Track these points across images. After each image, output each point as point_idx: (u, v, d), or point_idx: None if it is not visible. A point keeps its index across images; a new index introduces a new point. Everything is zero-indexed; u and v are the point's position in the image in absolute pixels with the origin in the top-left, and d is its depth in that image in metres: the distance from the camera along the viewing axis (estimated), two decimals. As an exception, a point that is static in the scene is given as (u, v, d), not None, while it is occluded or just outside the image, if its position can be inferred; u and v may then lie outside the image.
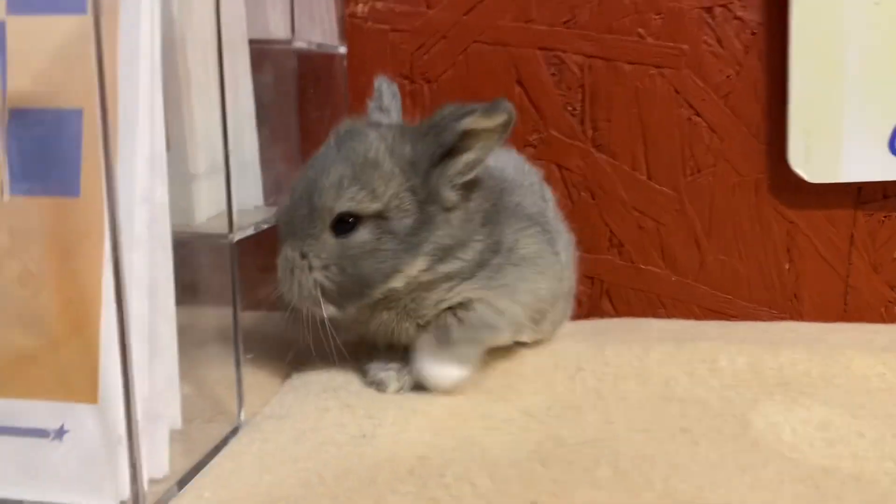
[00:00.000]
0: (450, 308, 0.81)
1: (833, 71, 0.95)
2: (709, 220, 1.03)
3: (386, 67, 1.05)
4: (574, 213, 1.05)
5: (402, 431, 0.73)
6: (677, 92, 1.00)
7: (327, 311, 0.78)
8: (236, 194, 0.86)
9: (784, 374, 0.84)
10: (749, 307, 1.04)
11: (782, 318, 1.03)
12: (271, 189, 0.89)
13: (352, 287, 0.78)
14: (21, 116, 0.62)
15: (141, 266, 0.62)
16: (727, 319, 1.04)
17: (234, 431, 0.75)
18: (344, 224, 0.77)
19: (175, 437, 0.71)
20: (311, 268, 0.78)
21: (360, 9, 1.05)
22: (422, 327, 0.81)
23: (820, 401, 0.78)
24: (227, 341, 0.77)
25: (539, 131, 1.04)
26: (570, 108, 1.03)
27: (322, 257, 0.78)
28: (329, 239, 0.78)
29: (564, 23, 1.01)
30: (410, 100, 1.06)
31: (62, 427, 0.61)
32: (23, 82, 0.62)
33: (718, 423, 0.75)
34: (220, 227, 0.75)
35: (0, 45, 0.63)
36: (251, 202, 0.88)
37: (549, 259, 0.85)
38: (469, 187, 0.80)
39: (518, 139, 1.05)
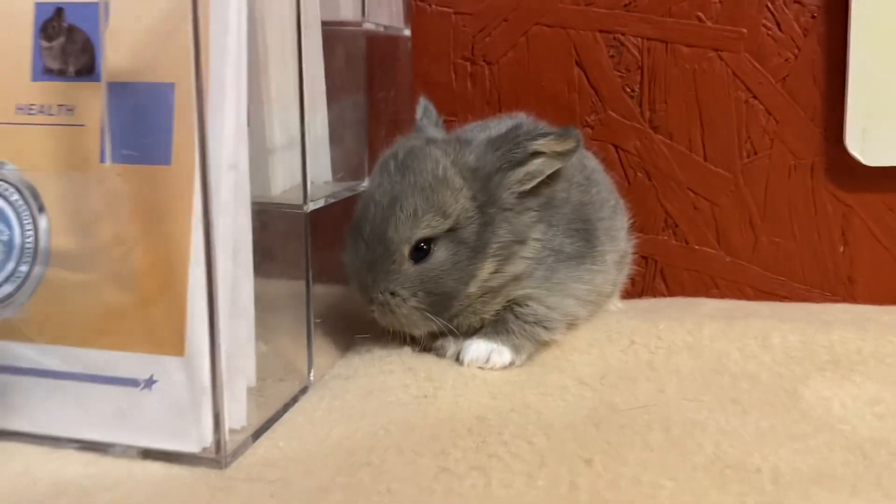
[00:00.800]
0: (507, 305, 0.85)
1: (893, 55, 0.95)
2: (764, 202, 1.04)
3: (448, 49, 1.09)
4: (630, 194, 1.07)
5: (460, 395, 0.77)
6: (735, 75, 1.02)
7: (429, 326, 0.83)
8: (309, 169, 0.91)
9: (835, 352, 0.85)
10: (802, 289, 1.05)
11: (835, 301, 1.04)
12: (340, 165, 0.93)
13: (440, 303, 0.82)
14: (117, 90, 0.67)
15: (227, 229, 0.66)
16: (779, 301, 1.05)
17: (304, 390, 0.80)
18: (420, 250, 0.81)
19: (250, 393, 0.77)
20: (404, 301, 0.81)
21: (425, -8, 1.09)
22: (483, 325, 0.86)
23: (871, 378, 0.80)
24: (298, 306, 0.81)
25: (597, 112, 1.07)
26: (628, 90, 1.05)
27: (408, 287, 0.81)
28: (410, 269, 0.81)
29: (624, 6, 1.04)
30: (471, 81, 1.09)
31: (151, 377, 0.67)
32: (119, 59, 0.67)
33: (769, 395, 0.77)
34: (295, 198, 0.80)
35: (101, 23, 0.68)
36: (321, 177, 0.93)
37: (592, 260, 0.88)
38: (530, 193, 0.84)
39: (577, 120, 1.07)
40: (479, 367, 0.83)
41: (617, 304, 1.02)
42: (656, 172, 1.06)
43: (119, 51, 0.67)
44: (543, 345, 0.86)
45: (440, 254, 0.81)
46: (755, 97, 1.02)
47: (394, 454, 0.65)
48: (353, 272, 0.84)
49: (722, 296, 1.07)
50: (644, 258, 1.09)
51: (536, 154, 0.82)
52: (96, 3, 0.68)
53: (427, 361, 0.84)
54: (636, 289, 1.10)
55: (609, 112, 1.06)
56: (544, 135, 0.81)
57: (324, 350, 0.89)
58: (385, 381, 0.80)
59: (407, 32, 1.07)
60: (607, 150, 1.07)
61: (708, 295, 1.08)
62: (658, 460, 0.64)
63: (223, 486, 0.62)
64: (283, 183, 0.86)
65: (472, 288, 0.83)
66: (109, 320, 0.68)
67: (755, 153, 1.03)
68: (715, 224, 1.06)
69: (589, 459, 0.64)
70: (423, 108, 0.93)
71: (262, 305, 0.82)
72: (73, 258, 0.68)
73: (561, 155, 0.83)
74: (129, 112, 0.67)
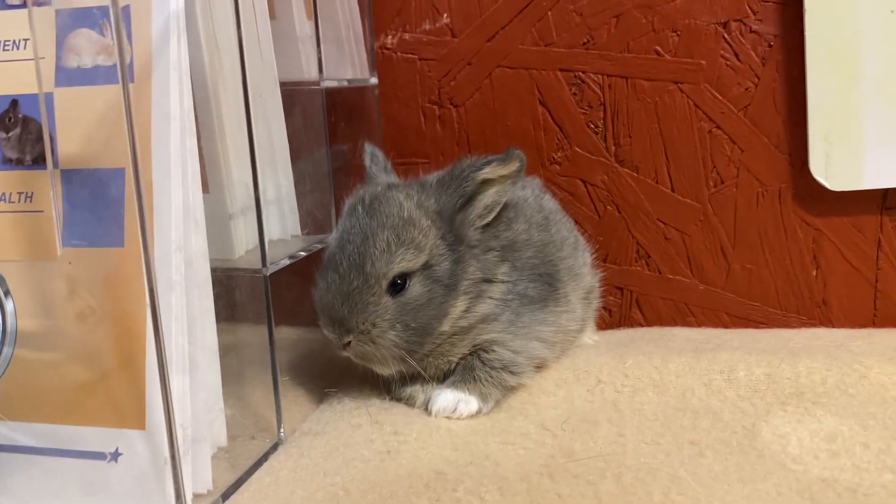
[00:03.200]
0: (474, 350, 0.87)
1: (850, 79, 0.95)
2: (734, 230, 1.05)
3: (416, 94, 1.11)
4: (601, 227, 1.09)
5: (423, 447, 0.79)
6: (697, 106, 1.03)
7: (401, 365, 0.84)
8: (275, 226, 0.94)
9: (799, 384, 0.86)
10: (777, 314, 1.05)
11: (812, 325, 1.04)
12: (307, 219, 0.96)
13: (415, 339, 0.83)
14: (71, 177, 0.70)
15: (179, 306, 0.69)
16: (756, 326, 1.06)
17: (275, 447, 0.82)
18: (396, 285, 0.82)
19: (220, 453, 0.80)
20: (383, 332, 0.82)
21: (390, 40, 1.11)
22: (450, 369, 0.88)
23: (832, 411, 0.80)
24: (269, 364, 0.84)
25: (563, 149, 1.08)
26: (592, 126, 1.07)
27: (387, 319, 0.82)
28: (388, 302, 0.82)
29: (583, 44, 1.05)
30: (440, 123, 1.11)
31: (116, 450, 0.70)
32: (71, 146, 0.71)
33: (727, 434, 0.78)
34: (257, 261, 0.82)
35: (49, 113, 0.71)
36: (289, 232, 0.95)
37: (555, 302, 0.90)
38: (486, 226, 0.87)
39: (543, 157, 1.09)
40: (447, 417, 0.84)
41: (592, 336, 1.04)
42: (625, 205, 1.07)
43: (70, 139, 0.71)
44: (511, 389, 0.88)
45: (416, 289, 0.83)
46: (718, 127, 1.03)
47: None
48: (326, 306, 0.84)
49: (698, 323, 1.08)
50: (619, 289, 1.10)
51: (486, 183, 0.85)
52: (50, 94, 0.71)
53: (394, 413, 0.86)
54: (613, 319, 1.11)
55: (575, 148, 1.08)
56: (487, 162, 0.84)
57: (297, 403, 0.91)
58: (352, 436, 0.82)
59: (374, 81, 1.10)
60: (575, 185, 1.08)
61: (684, 323, 1.08)
62: (605, 513, 0.66)
63: (184, 556, 0.65)
64: (247, 243, 0.89)
65: (446, 326, 0.84)
66: (75, 396, 0.71)
67: (722, 182, 1.04)
68: (686, 253, 1.07)
69: (544, 514, 0.66)
70: (371, 156, 0.94)
71: (233, 365, 0.86)
72: (38, 338, 0.72)
73: (509, 178, 0.85)
74: (82, 197, 0.70)
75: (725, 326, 1.07)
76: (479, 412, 0.85)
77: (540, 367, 0.91)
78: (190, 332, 0.71)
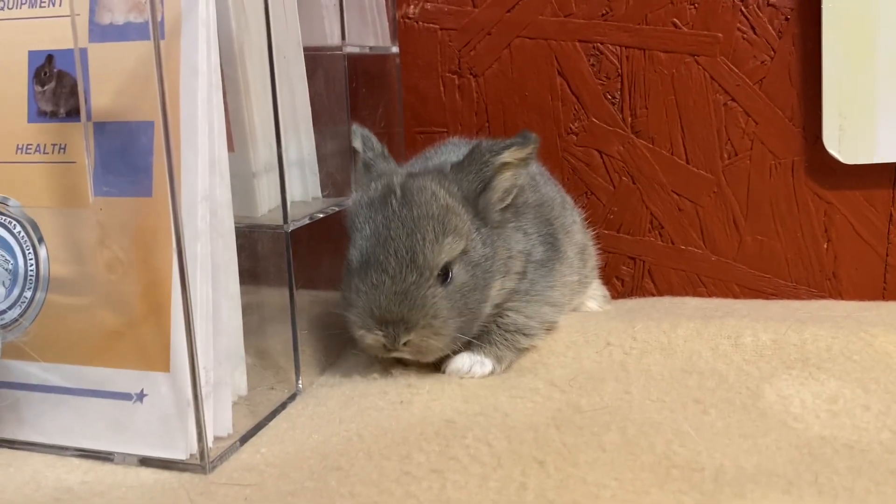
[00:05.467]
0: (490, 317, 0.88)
1: (865, 53, 0.96)
2: (746, 202, 1.06)
3: (436, 64, 1.13)
4: (616, 197, 1.10)
5: (435, 399, 0.81)
6: (712, 78, 1.04)
7: (456, 347, 0.84)
8: (297, 187, 0.97)
9: (805, 350, 0.88)
10: (787, 286, 1.07)
11: (821, 297, 1.06)
12: (327, 182, 0.99)
13: (470, 324, 0.84)
14: (103, 129, 0.73)
15: (204, 255, 0.72)
16: (766, 298, 1.07)
17: (293, 397, 0.85)
18: (443, 275, 0.82)
19: (242, 401, 0.83)
20: (445, 322, 0.82)
21: (412, 10, 1.13)
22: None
23: (835, 375, 0.82)
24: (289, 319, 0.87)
25: (580, 119, 1.10)
26: (609, 97, 1.08)
27: (447, 308, 0.82)
28: (442, 292, 0.82)
29: (602, 15, 1.06)
30: (459, 93, 1.14)
31: (142, 391, 0.73)
32: (103, 100, 0.74)
33: (731, 394, 0.80)
34: (279, 218, 0.85)
35: (84, 68, 0.74)
36: (310, 194, 0.98)
37: (559, 261, 0.93)
38: (506, 207, 0.89)
39: (560, 127, 1.11)
40: (460, 377, 0.87)
41: (603, 305, 1.06)
42: (640, 176, 1.09)
43: (103, 93, 0.74)
44: (524, 351, 0.90)
45: (461, 276, 0.83)
46: (733, 100, 1.04)
47: (363, 458, 0.71)
48: (379, 309, 0.81)
49: (709, 294, 1.10)
50: (632, 259, 1.12)
51: (503, 166, 0.86)
52: (83, 50, 0.74)
53: (408, 369, 0.89)
54: (626, 288, 1.13)
55: (592, 119, 1.09)
56: (506, 146, 0.85)
57: (315, 357, 0.94)
58: (367, 387, 0.85)
59: (395, 50, 1.12)
60: (591, 156, 1.10)
61: (695, 293, 1.10)
62: (608, 460, 0.68)
63: (203, 490, 0.68)
64: (270, 202, 0.92)
65: (488, 307, 0.86)
66: (104, 340, 0.74)
67: (736, 154, 1.05)
68: (699, 224, 1.08)
69: (542, 461, 0.68)
70: (363, 139, 0.92)
71: (254, 319, 0.89)
72: (69, 284, 0.75)
73: (525, 161, 0.87)
74: (113, 149, 0.73)
75: (736, 297, 1.09)
76: (492, 372, 0.87)
77: (550, 329, 0.94)
78: (214, 280, 0.74)
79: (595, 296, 1.06)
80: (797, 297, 1.06)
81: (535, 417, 0.77)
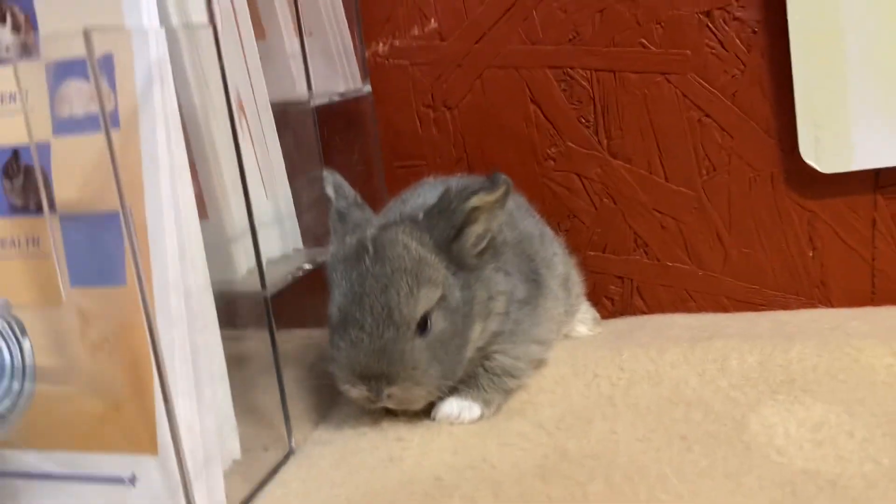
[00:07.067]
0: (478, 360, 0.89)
1: (835, 62, 0.95)
2: (728, 216, 1.06)
3: (410, 99, 1.13)
4: (599, 219, 1.10)
5: (425, 454, 0.82)
6: (685, 96, 1.03)
7: (442, 393, 0.85)
8: (276, 242, 0.98)
9: (791, 371, 0.88)
10: (777, 296, 1.07)
11: (811, 305, 1.06)
12: (307, 232, 0.99)
13: (450, 370, 0.85)
14: (72, 221, 0.74)
15: (181, 339, 0.73)
16: (756, 309, 1.07)
17: (286, 458, 0.87)
18: (421, 326, 0.82)
19: (236, 466, 0.85)
20: (425, 371, 0.82)
21: (381, 48, 1.13)
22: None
23: (821, 398, 0.82)
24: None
25: (556, 145, 1.10)
26: (583, 121, 1.08)
27: (425, 359, 0.82)
28: (421, 343, 0.82)
29: (570, 41, 1.06)
30: (436, 127, 1.14)
31: (133, 475, 0.74)
32: (69, 192, 0.75)
33: (716, 427, 0.80)
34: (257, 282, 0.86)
35: (46, 161, 0.75)
36: (290, 246, 0.99)
37: (543, 297, 0.93)
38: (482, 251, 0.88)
39: (538, 153, 1.10)
40: (450, 423, 0.88)
41: (593, 328, 1.06)
42: (620, 196, 1.09)
43: (68, 186, 0.75)
44: (512, 392, 0.91)
45: (439, 324, 0.84)
46: (707, 115, 1.03)
47: (356, 526, 0.72)
48: (358, 366, 0.82)
49: (699, 308, 1.10)
50: (620, 278, 1.12)
51: (475, 211, 0.86)
52: (47, 144, 0.75)
53: (398, 419, 0.90)
54: (616, 308, 1.13)
55: (568, 143, 1.09)
56: (474, 192, 0.84)
57: (310, 410, 0.96)
58: (358, 443, 0.86)
59: (367, 89, 1.12)
60: (571, 180, 1.10)
61: (685, 308, 1.10)
62: (592, 514, 0.69)
63: (199, 572, 0.70)
64: (248, 263, 0.93)
65: (469, 352, 0.86)
66: (92, 425, 0.76)
67: (714, 169, 1.05)
68: (683, 241, 1.08)
69: (531, 520, 0.69)
70: (335, 187, 0.92)
71: (245, 379, 0.90)
72: (55, 373, 0.77)
73: (497, 203, 0.86)
74: (83, 240, 0.74)
75: (726, 310, 1.09)
76: (481, 417, 0.88)
77: (539, 366, 0.94)
78: (195, 362, 0.75)
79: (584, 319, 1.06)
80: (787, 306, 1.06)
81: (522, 467, 0.78)
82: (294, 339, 1.02)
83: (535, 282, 0.93)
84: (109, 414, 0.75)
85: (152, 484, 0.74)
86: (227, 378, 0.83)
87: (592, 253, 1.12)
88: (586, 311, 1.07)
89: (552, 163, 1.10)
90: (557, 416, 0.86)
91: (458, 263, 0.87)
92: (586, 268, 1.12)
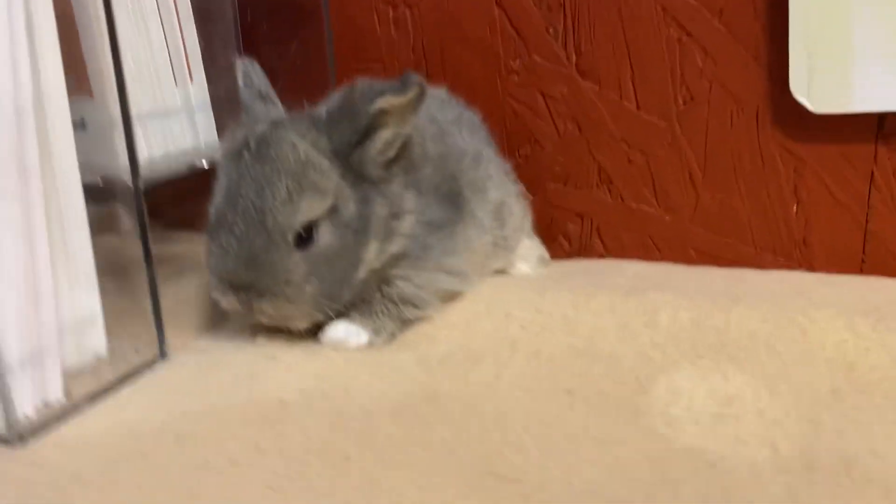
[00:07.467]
0: (377, 283, 0.80)
1: (841, -22, 0.79)
2: (704, 155, 0.92)
3: (370, -7, 1.02)
4: (561, 146, 0.98)
5: (289, 376, 0.74)
6: (664, 9, 0.89)
7: (320, 316, 0.77)
8: (187, 133, 0.91)
9: (724, 336, 0.75)
10: (751, 253, 0.93)
11: (789, 267, 0.91)
12: (223, 126, 0.91)
13: (334, 290, 0.76)
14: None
15: (10, 217, 0.67)
16: (726, 266, 0.94)
17: (152, 362, 0.80)
18: (303, 237, 0.74)
19: (100, 363, 0.79)
20: (299, 289, 0.75)
21: (342, -65, 1.02)
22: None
23: (746, 369, 0.70)
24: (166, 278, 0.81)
25: (521, 56, 0.97)
26: (551, 31, 0.95)
27: (301, 274, 0.74)
28: (298, 257, 0.74)
29: (542, -65, 0.92)
30: (394, 26, 1.02)
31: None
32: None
33: (614, 386, 0.69)
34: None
35: None
36: (203, 140, 0.91)
37: (462, 223, 0.82)
38: (390, 160, 0.78)
39: (501, 65, 0.98)
40: (334, 348, 0.79)
41: (537, 267, 0.95)
42: (586, 122, 0.96)
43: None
44: (410, 322, 0.82)
45: (325, 238, 0.75)
46: (689, 34, 0.89)
47: (171, 444, 0.64)
48: (226, 273, 0.75)
49: (663, 258, 0.97)
50: (580, 216, 1.00)
51: (382, 114, 0.75)
52: None
53: (281, 335, 0.82)
54: (573, 248, 1.01)
55: (533, 56, 0.96)
56: (380, 93, 0.74)
57: (200, 317, 0.89)
58: (227, 357, 0.79)
59: (324, -7, 1.01)
60: (535, 98, 0.97)
61: (648, 257, 0.97)
62: (425, 461, 0.60)
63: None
64: (150, 152, 0.85)
65: (362, 273, 0.77)
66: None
67: (692, 99, 0.91)
68: (652, 179, 0.95)
69: (349, 456, 0.61)
70: (244, 75, 0.83)
71: (130, 278, 0.83)
72: None
73: (409, 107, 0.76)
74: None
75: (692, 263, 0.95)
76: (370, 344, 0.79)
77: (449, 298, 0.84)
78: (65, 246, 0.70)
79: (527, 256, 0.95)
80: (761, 265, 0.92)
81: (380, 402, 0.69)
82: (194, 241, 0.95)
83: (454, 205, 0.83)
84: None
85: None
86: (94, 273, 0.77)
87: (553, 185, 1.00)
88: (531, 248, 0.96)
89: (516, 77, 0.98)
90: (446, 354, 0.77)
91: (357, 173, 0.77)
92: (545, 201, 1.00)
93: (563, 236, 1.01)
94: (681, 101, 0.91)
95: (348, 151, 0.76)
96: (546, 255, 0.98)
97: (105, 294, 0.80)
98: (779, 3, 0.83)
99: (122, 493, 0.59)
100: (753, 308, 0.78)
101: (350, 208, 0.76)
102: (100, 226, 0.83)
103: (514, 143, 1.00)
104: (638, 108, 0.93)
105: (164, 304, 0.88)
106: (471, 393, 0.70)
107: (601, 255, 1.00)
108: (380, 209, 0.77)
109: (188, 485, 0.59)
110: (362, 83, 0.77)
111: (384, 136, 0.77)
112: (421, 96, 0.76)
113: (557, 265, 0.98)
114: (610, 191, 0.97)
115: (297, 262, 0.74)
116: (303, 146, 0.75)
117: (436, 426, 0.64)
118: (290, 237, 0.74)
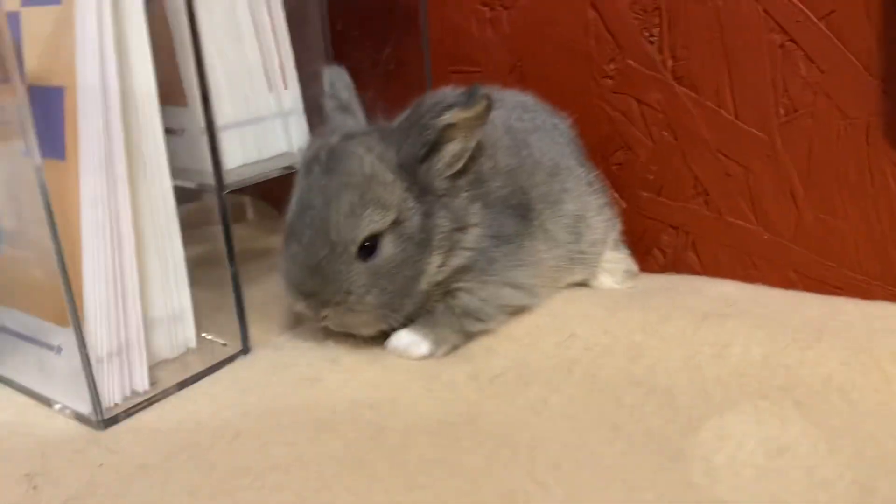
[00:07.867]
0: (443, 295, 0.81)
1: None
2: (807, 171, 0.84)
3: (468, -5, 1.01)
4: (656, 154, 0.94)
5: (346, 382, 0.77)
6: (766, 12, 0.82)
7: (384, 324, 0.80)
8: (280, 140, 0.95)
9: (795, 376, 0.70)
10: (858, 280, 0.84)
11: (900, 297, 0.83)
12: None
13: (395, 301, 0.78)
14: (34, 93, 0.76)
15: (101, 220, 0.74)
16: (830, 293, 0.86)
17: (235, 356, 0.85)
18: (366, 248, 0.77)
19: (187, 355, 0.85)
20: (361, 298, 0.77)
21: (441, -62, 1.01)
22: None
23: (811, 418, 0.65)
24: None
25: (615, 61, 0.93)
26: (647, 34, 0.90)
27: (362, 285, 0.77)
28: (360, 267, 0.77)
29: (639, -65, 0.87)
30: (490, 26, 1.01)
31: (59, 345, 0.77)
32: (32, 63, 0.76)
33: (662, 423, 0.67)
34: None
35: (16, 31, 0.76)
36: (295, 145, 0.94)
37: (531, 236, 0.82)
38: (456, 173, 0.79)
39: (595, 69, 0.95)
40: (398, 356, 0.81)
41: (623, 281, 0.92)
42: (682, 131, 0.91)
43: (31, 57, 0.76)
44: (473, 336, 0.82)
45: (387, 249, 0.77)
46: (792, 40, 0.81)
47: (228, 440, 0.69)
48: (294, 281, 0.79)
49: (762, 277, 0.90)
50: (674, 228, 0.95)
51: (449, 128, 0.76)
52: (16, 13, 0.77)
53: (348, 340, 0.84)
54: (667, 260, 0.97)
55: (628, 61, 0.92)
56: (448, 107, 0.75)
57: (287, 315, 0.93)
58: (296, 358, 0.82)
59: (423, -8, 1.02)
60: (629, 105, 0.93)
61: (746, 276, 0.91)
62: (446, 489, 0.60)
63: (82, 448, 0.71)
64: (241, 157, 0.90)
65: (423, 284, 0.79)
66: (36, 292, 0.79)
67: (795, 110, 0.83)
68: (750, 193, 0.88)
69: (373, 474, 0.63)
70: (330, 84, 0.85)
71: (213, 274, 0.89)
72: (14, 237, 0.81)
73: (476, 120, 0.76)
74: (35, 112, 0.75)
75: (792, 287, 0.88)
76: (430, 355, 0.80)
77: (516, 312, 0.84)
78: (157, 246, 0.78)
79: (613, 270, 0.92)
80: (870, 295, 0.84)
81: (422, 419, 0.70)
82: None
83: (524, 218, 0.81)
84: (47, 283, 0.78)
85: (71, 356, 0.76)
86: (185, 272, 0.83)
87: (646, 194, 0.96)
88: (618, 261, 0.93)
89: (609, 82, 0.94)
90: (501, 371, 0.77)
91: (423, 186, 0.78)
92: (637, 211, 0.97)
93: (657, 248, 0.97)
94: (782, 112, 0.84)
95: (415, 165, 0.77)
96: (634, 267, 0.94)
97: (205, 287, 0.87)
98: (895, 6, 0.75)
99: (172, 486, 0.64)
100: (835, 347, 0.72)
101: (414, 221, 0.77)
102: (200, 219, 0.89)
103: (607, 149, 0.96)
104: (736, 117, 0.87)
105: (259, 297, 0.94)
106: (513, 417, 0.69)
107: (696, 271, 0.95)
108: (444, 222, 0.78)
109: (226, 489, 0.63)
110: (430, 96, 0.77)
111: (451, 149, 0.77)
112: (487, 110, 0.75)
113: (646, 279, 0.94)
114: (706, 203, 0.92)
115: (359, 273, 0.77)
116: (369, 159, 0.77)
117: (468, 452, 0.65)
118: (353, 249, 0.76)
